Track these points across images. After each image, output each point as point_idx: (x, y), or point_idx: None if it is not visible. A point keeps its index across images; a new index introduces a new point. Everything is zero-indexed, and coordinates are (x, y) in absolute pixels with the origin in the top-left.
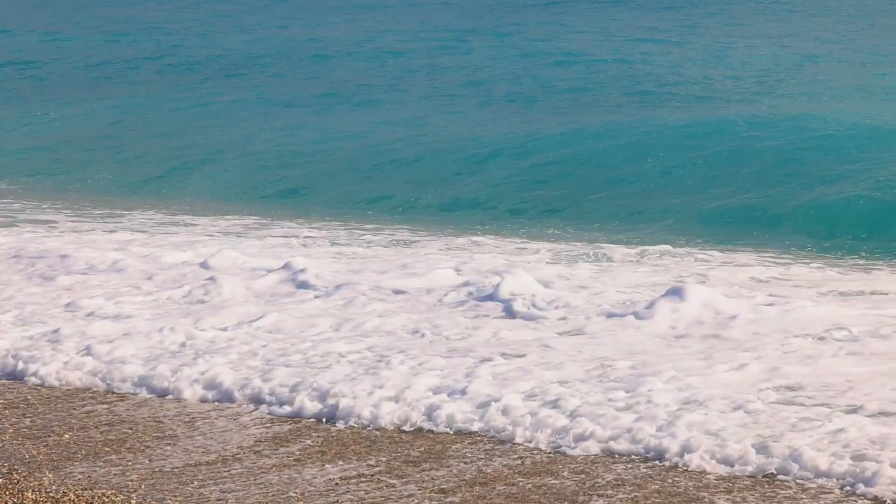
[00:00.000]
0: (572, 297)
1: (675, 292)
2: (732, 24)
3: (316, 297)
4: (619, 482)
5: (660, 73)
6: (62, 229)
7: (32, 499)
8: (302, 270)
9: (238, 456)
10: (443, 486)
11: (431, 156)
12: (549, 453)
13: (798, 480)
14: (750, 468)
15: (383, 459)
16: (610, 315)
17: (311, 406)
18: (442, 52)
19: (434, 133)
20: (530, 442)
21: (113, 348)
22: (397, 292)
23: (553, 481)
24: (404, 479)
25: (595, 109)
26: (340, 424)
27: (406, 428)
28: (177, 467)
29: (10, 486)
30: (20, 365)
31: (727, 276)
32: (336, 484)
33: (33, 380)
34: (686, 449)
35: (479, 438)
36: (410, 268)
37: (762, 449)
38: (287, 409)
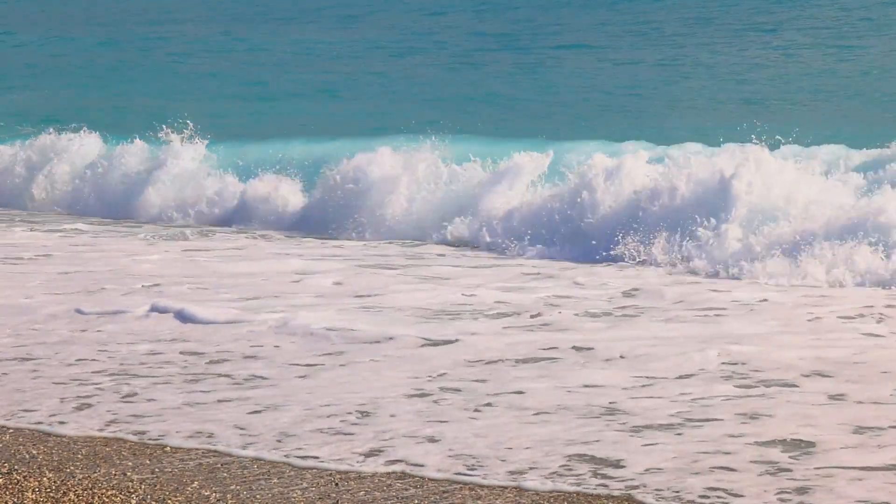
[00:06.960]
0: None
1: None
2: None
3: None
4: None
5: None
6: None
7: (32, 499)
8: None
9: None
10: None
11: None
12: None
13: None
14: None
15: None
16: None
17: None
18: None
19: None
20: None
21: None
22: None
23: None
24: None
25: None
26: None
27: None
28: (177, 468)
29: (10, 486)
30: None
31: None
32: (336, 484)
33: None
34: None
35: None
36: None
37: None
38: None
